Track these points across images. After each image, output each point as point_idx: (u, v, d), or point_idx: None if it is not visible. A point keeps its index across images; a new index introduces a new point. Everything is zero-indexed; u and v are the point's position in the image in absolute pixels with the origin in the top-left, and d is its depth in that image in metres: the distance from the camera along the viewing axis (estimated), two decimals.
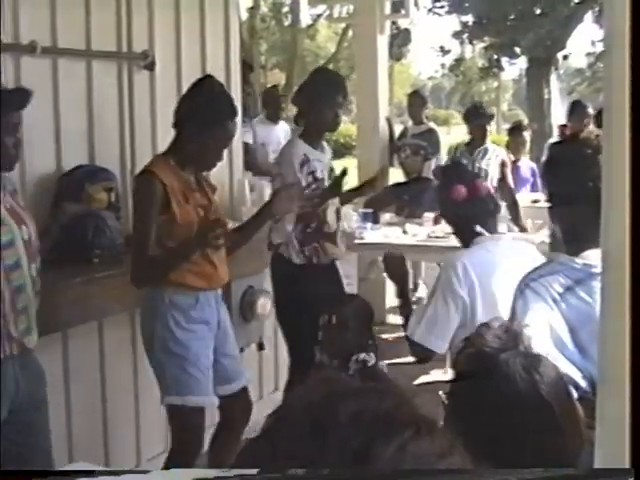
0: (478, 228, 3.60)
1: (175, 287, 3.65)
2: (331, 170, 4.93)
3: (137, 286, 3.68)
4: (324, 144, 4.86)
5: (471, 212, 3.61)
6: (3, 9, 3.92)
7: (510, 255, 3.61)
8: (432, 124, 8.63)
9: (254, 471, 0.96)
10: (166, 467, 3.83)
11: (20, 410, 3.15)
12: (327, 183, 4.77)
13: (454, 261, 3.58)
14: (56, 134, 4.28)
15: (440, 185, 3.88)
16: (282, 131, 8.26)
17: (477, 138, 7.54)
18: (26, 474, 1.94)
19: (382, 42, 8.18)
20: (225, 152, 4.92)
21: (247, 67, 7.92)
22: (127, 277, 3.85)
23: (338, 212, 4.90)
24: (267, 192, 5.74)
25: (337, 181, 4.75)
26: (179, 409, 3.69)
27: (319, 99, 4.65)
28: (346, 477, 0.93)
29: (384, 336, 7.35)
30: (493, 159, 7.45)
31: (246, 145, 5.96)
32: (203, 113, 3.63)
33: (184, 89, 4.00)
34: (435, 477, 0.95)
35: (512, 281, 2.90)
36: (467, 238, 3.66)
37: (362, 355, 3.35)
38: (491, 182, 7.14)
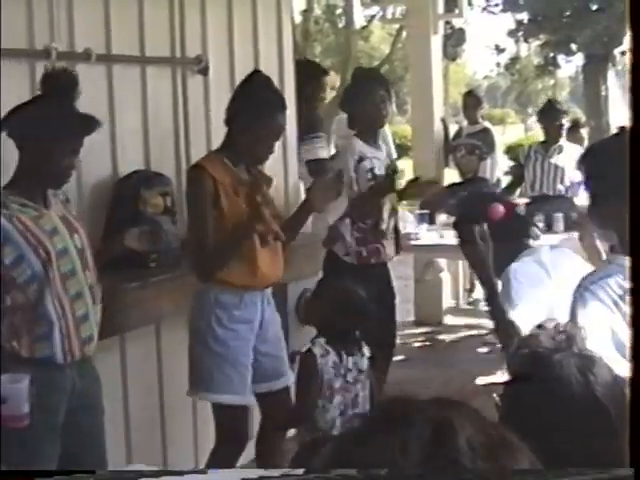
0: (524, 241, 3.49)
1: (222, 285, 3.66)
2: (391, 169, 4.92)
3: (204, 279, 3.69)
4: (380, 142, 4.89)
5: (514, 227, 3.48)
6: (58, 18, 3.97)
7: (558, 264, 3.52)
8: (487, 123, 8.57)
9: (300, 471, 0.96)
10: (209, 463, 3.84)
11: (75, 414, 3.20)
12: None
13: (507, 275, 3.46)
14: (112, 140, 4.32)
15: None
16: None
17: (552, 136, 7.41)
18: (26, 474, 1.96)
19: (436, 42, 8.14)
20: (280, 156, 4.99)
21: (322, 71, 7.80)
22: (183, 280, 3.88)
23: (393, 212, 4.91)
24: None
25: (389, 180, 4.76)
26: (221, 406, 3.72)
27: (361, 97, 4.70)
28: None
29: (441, 337, 7.33)
30: (568, 156, 7.33)
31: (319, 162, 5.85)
32: (252, 105, 3.68)
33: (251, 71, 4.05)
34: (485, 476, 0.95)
35: (566, 289, 2.85)
36: (510, 255, 3.55)
37: None
38: (569, 179, 7.06)
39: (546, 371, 1.84)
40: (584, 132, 9.11)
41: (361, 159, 4.69)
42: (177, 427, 4.55)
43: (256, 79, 3.84)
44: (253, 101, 3.69)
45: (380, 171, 4.76)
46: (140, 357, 4.34)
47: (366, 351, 3.77)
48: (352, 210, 4.72)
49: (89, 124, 3.16)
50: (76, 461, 3.17)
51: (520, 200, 6.54)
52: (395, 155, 5.13)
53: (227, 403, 3.70)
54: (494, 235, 3.38)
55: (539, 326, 1.96)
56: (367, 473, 0.94)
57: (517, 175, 7.79)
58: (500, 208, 3.44)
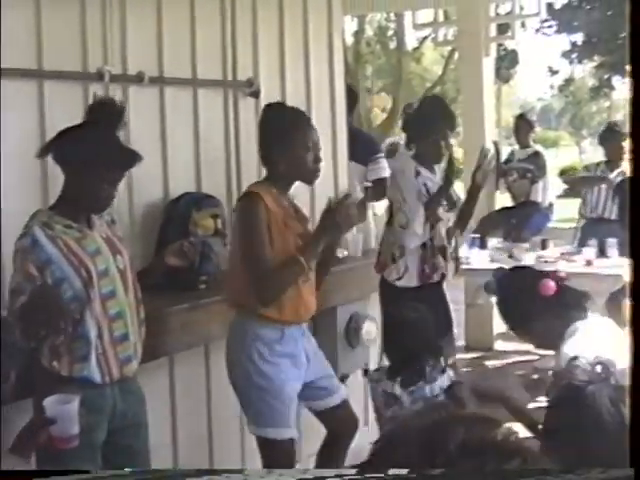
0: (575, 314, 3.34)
1: (261, 320, 3.67)
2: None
3: (266, 304, 3.65)
4: (436, 168, 4.89)
5: (563, 303, 3.34)
6: (111, 41, 4.02)
7: (605, 336, 3.37)
8: (539, 147, 8.51)
9: (353, 471, 0.98)
10: None
11: (118, 433, 3.22)
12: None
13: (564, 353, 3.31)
14: (163, 162, 4.35)
15: (516, 289, 3.55)
16: None
17: (614, 159, 7.34)
18: (26, 474, 1.96)
19: (488, 64, 8.12)
20: (330, 175, 5.01)
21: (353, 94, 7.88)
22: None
23: (449, 232, 4.91)
24: (371, 219, 5.75)
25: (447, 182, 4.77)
26: (265, 439, 3.72)
27: (428, 130, 4.67)
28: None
29: (491, 363, 7.26)
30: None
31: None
32: (278, 131, 3.70)
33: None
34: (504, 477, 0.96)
35: None
36: (561, 332, 3.40)
37: None
38: None
39: (579, 402, 1.86)
40: None
41: (417, 173, 4.73)
42: (225, 448, 4.55)
43: (271, 110, 3.86)
44: (277, 128, 3.72)
45: (434, 190, 4.78)
46: (189, 378, 4.35)
47: (435, 381, 3.73)
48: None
49: (130, 158, 3.18)
50: None
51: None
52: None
53: (273, 436, 3.69)
54: (545, 310, 3.24)
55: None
56: (420, 473, 0.95)
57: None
58: (551, 284, 3.31)
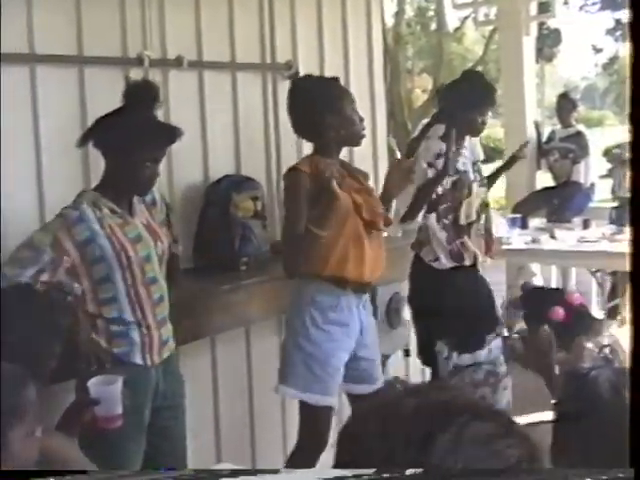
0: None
1: (319, 285, 3.68)
2: (474, 164, 4.83)
3: (291, 275, 3.69)
4: (465, 143, 4.78)
5: (574, 328, 3.34)
6: (150, 26, 4.06)
7: None
8: (581, 127, 8.43)
9: (371, 471, 0.99)
10: (290, 461, 3.87)
11: (158, 415, 3.27)
12: (471, 175, 4.72)
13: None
14: (203, 145, 4.39)
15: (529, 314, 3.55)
16: None
17: None
18: (26, 474, 2.00)
19: (528, 44, 8.06)
20: (370, 155, 5.03)
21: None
22: (273, 284, 3.91)
23: (485, 206, 4.83)
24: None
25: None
26: (307, 405, 3.73)
27: (465, 105, 4.60)
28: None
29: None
30: None
31: None
32: (316, 101, 3.71)
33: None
34: (500, 477, 0.97)
35: None
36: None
37: None
38: None
39: (581, 388, 1.89)
40: None
41: (439, 155, 4.62)
42: (266, 428, 4.59)
43: (306, 82, 3.92)
44: (323, 96, 3.73)
45: (464, 167, 4.68)
46: (230, 359, 4.40)
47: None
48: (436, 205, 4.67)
49: (170, 134, 3.22)
50: (155, 461, 3.24)
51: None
52: (482, 157, 4.98)
53: (311, 402, 3.71)
54: (554, 333, 3.29)
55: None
56: (437, 471, 0.97)
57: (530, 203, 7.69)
58: (560, 312, 3.34)
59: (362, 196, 3.74)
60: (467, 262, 4.66)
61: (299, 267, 3.65)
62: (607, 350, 1.96)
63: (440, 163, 4.47)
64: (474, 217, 4.73)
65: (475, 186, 4.73)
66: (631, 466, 1.48)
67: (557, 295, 3.64)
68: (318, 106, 3.70)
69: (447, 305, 4.41)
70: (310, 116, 3.73)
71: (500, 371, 3.88)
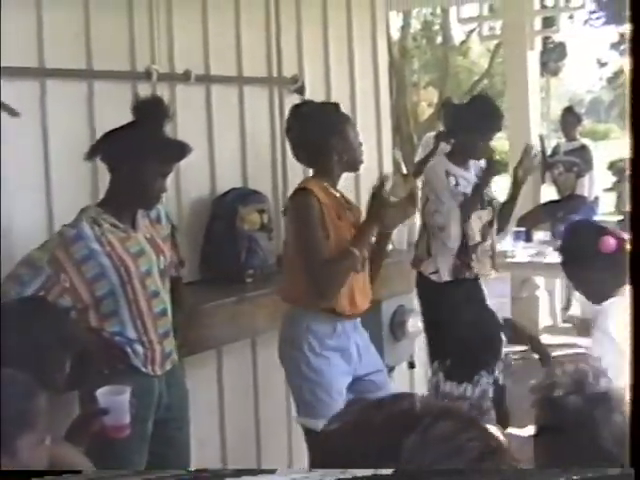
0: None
1: (314, 313, 3.70)
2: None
3: (326, 297, 3.65)
4: (470, 163, 4.85)
5: (621, 261, 3.38)
6: (158, 40, 4.10)
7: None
8: (585, 140, 8.47)
9: (370, 472, 1.02)
10: None
11: (163, 426, 3.30)
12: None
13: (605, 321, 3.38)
14: (210, 158, 4.43)
15: (579, 243, 3.52)
16: None
17: None
18: (26, 474, 2.03)
19: (533, 58, 8.11)
20: (375, 167, 5.06)
21: None
22: (279, 296, 3.93)
23: (489, 225, 4.88)
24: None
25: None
26: (310, 430, 3.73)
27: (473, 129, 4.65)
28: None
29: (537, 356, 7.24)
30: None
31: None
32: (323, 124, 3.72)
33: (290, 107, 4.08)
34: (484, 476, 1.01)
35: None
36: (613, 291, 3.37)
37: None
38: None
39: (552, 414, 1.95)
40: None
41: (447, 173, 4.71)
42: (271, 439, 4.62)
43: (308, 107, 3.91)
44: (327, 122, 3.75)
45: (467, 190, 4.74)
46: (236, 371, 4.43)
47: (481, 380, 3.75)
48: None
49: (179, 150, 3.26)
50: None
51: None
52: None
53: (316, 428, 3.72)
54: (601, 265, 3.35)
55: (555, 366, 2.05)
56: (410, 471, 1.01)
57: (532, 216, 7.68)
58: (612, 241, 3.37)
59: (364, 234, 3.74)
60: (467, 275, 4.73)
61: (339, 285, 3.65)
62: (575, 377, 2.01)
63: (452, 180, 4.58)
64: (478, 239, 4.78)
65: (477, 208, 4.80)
66: (631, 466, 1.51)
67: (606, 228, 3.66)
68: (322, 129, 3.72)
69: (446, 320, 4.46)
70: (313, 139, 3.73)
71: (484, 406, 3.89)
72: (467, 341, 3.81)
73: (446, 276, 4.75)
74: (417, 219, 5.74)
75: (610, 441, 1.88)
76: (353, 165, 3.85)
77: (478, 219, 4.80)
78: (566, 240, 3.57)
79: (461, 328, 4.06)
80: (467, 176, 4.79)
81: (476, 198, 4.75)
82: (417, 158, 8.34)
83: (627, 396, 1.94)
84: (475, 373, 3.72)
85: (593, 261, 3.40)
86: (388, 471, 1.06)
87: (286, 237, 3.92)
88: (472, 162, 4.87)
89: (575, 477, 1.48)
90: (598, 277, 3.37)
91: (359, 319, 3.89)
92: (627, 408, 1.91)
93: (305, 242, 3.67)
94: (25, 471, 2.06)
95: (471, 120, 4.68)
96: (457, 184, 4.73)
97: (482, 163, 4.89)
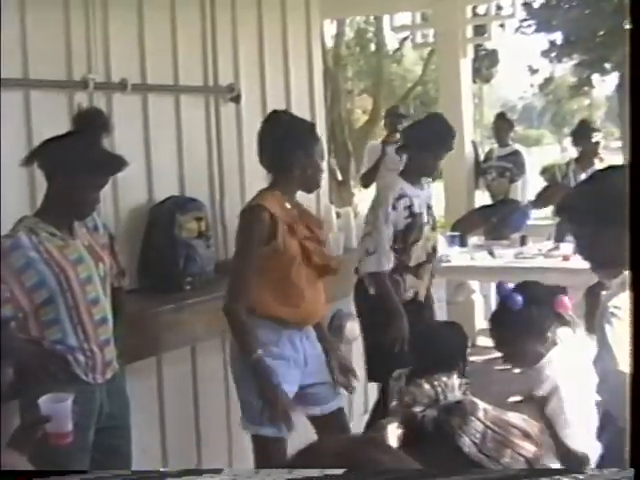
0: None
1: (262, 321, 3.72)
2: (429, 207, 4.93)
3: (226, 316, 3.71)
4: (423, 182, 4.89)
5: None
6: (95, 49, 4.11)
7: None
8: (517, 146, 8.62)
9: (316, 471, 1.06)
10: None
11: (104, 434, 3.30)
12: (425, 218, 4.83)
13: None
14: (147, 167, 4.44)
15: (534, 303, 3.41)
16: None
17: (588, 156, 7.39)
18: (26, 474, 2.04)
19: (465, 65, 8.22)
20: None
21: (397, 117, 8.13)
22: (218, 303, 3.96)
23: (434, 248, 4.94)
24: (352, 218, 5.84)
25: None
26: (257, 437, 3.76)
27: (427, 147, 4.71)
28: None
29: (474, 358, 7.35)
30: None
31: None
32: (291, 139, 3.75)
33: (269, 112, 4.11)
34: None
35: None
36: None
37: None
38: None
39: (411, 426, 2.08)
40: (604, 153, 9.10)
41: (400, 196, 4.72)
42: (212, 445, 4.63)
43: (284, 116, 3.93)
44: (298, 135, 3.78)
45: (419, 209, 4.77)
46: (176, 378, 4.44)
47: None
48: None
49: (115, 164, 3.27)
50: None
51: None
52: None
53: (263, 434, 3.75)
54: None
55: (415, 382, 2.16)
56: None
57: (552, 192, 7.78)
58: (566, 301, 3.39)
59: (312, 243, 3.79)
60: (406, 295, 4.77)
61: (236, 315, 3.70)
62: (437, 389, 2.15)
63: (403, 203, 4.63)
64: (424, 258, 4.84)
65: (427, 229, 4.86)
66: (631, 466, 1.54)
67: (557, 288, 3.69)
68: (294, 140, 3.75)
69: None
70: (283, 147, 3.75)
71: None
72: (422, 348, 3.85)
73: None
74: (353, 224, 5.81)
75: (468, 444, 1.99)
76: (310, 185, 3.88)
77: (427, 240, 4.85)
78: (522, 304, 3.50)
79: (414, 336, 4.13)
80: (422, 195, 4.82)
81: (413, 235, 4.79)
82: (363, 168, 8.40)
83: (481, 405, 2.07)
84: (435, 378, 3.75)
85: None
86: (338, 471, 1.10)
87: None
88: (426, 182, 4.91)
89: (579, 477, 1.53)
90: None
91: (310, 328, 3.90)
92: (482, 414, 2.03)
93: (236, 255, 3.75)
94: (25, 471, 2.06)
95: (426, 138, 4.73)
96: (411, 205, 4.75)
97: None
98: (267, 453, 3.75)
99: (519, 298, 3.29)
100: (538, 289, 3.44)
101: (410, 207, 4.72)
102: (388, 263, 4.67)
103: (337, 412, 3.98)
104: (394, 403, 3.64)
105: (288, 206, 3.78)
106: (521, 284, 3.45)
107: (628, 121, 1.83)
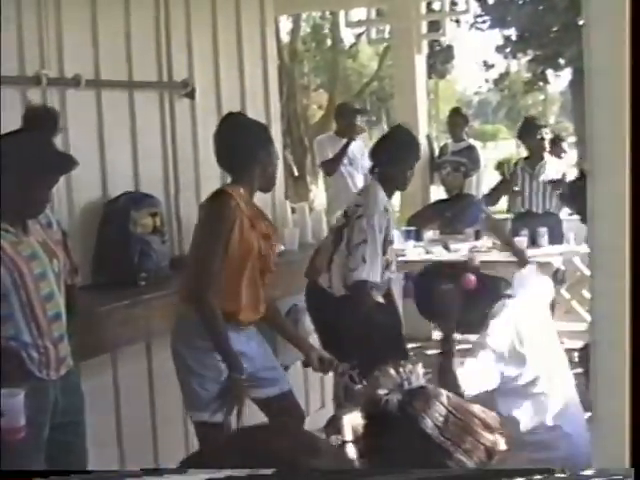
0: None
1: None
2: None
3: (197, 303, 3.70)
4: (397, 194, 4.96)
5: (485, 296, 3.52)
6: (47, 45, 4.09)
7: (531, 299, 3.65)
8: (472, 141, 8.68)
9: (269, 471, 1.08)
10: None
11: (59, 430, 3.29)
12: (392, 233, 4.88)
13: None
14: (101, 163, 4.43)
15: (431, 285, 3.62)
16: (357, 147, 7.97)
17: (536, 152, 7.46)
18: (26, 474, 2.05)
19: (420, 61, 8.27)
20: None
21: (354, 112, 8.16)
22: (172, 298, 3.97)
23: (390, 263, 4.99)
24: (307, 214, 5.87)
25: None
26: (201, 424, 3.79)
27: (396, 162, 4.73)
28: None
29: (431, 352, 7.41)
30: (554, 171, 7.39)
31: None
32: (249, 140, 3.80)
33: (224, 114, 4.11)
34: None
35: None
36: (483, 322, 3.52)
37: None
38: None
39: (374, 409, 2.11)
40: (565, 146, 9.21)
41: (386, 209, 4.72)
42: (169, 439, 4.62)
43: (242, 118, 3.99)
44: (258, 136, 3.85)
45: (389, 223, 4.80)
46: (131, 374, 4.43)
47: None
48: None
49: (65, 164, 3.27)
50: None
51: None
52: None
53: (212, 420, 3.77)
54: (466, 300, 3.50)
55: (379, 368, 2.20)
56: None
57: (502, 188, 7.87)
58: (472, 277, 3.49)
59: (266, 243, 3.82)
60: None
61: (207, 295, 3.70)
62: (403, 376, 2.19)
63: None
64: (393, 269, 4.90)
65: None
66: (631, 466, 1.55)
67: (465, 264, 3.78)
68: (253, 140, 3.80)
69: (342, 326, 4.56)
70: (243, 147, 3.78)
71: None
72: (369, 343, 3.89)
73: (341, 292, 4.79)
74: (308, 220, 5.83)
75: (431, 426, 2.02)
76: (267, 184, 3.92)
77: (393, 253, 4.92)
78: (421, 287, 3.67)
79: (361, 332, 4.16)
80: (390, 206, 4.85)
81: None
82: (320, 159, 8.33)
83: (444, 392, 2.12)
84: (401, 364, 3.78)
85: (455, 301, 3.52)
86: (267, 471, 1.11)
87: (195, 236, 3.89)
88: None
89: (578, 475, 1.55)
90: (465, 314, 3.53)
91: (253, 326, 3.94)
92: (446, 400, 2.07)
93: (205, 244, 3.74)
94: (25, 471, 2.06)
95: (394, 154, 4.76)
96: (389, 221, 4.77)
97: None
98: (209, 437, 3.78)
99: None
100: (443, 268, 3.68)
101: (388, 219, 4.76)
102: (377, 274, 4.70)
103: (284, 395, 4.03)
104: (358, 387, 3.71)
105: (250, 201, 3.82)
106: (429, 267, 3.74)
107: (583, 116, 1.87)
